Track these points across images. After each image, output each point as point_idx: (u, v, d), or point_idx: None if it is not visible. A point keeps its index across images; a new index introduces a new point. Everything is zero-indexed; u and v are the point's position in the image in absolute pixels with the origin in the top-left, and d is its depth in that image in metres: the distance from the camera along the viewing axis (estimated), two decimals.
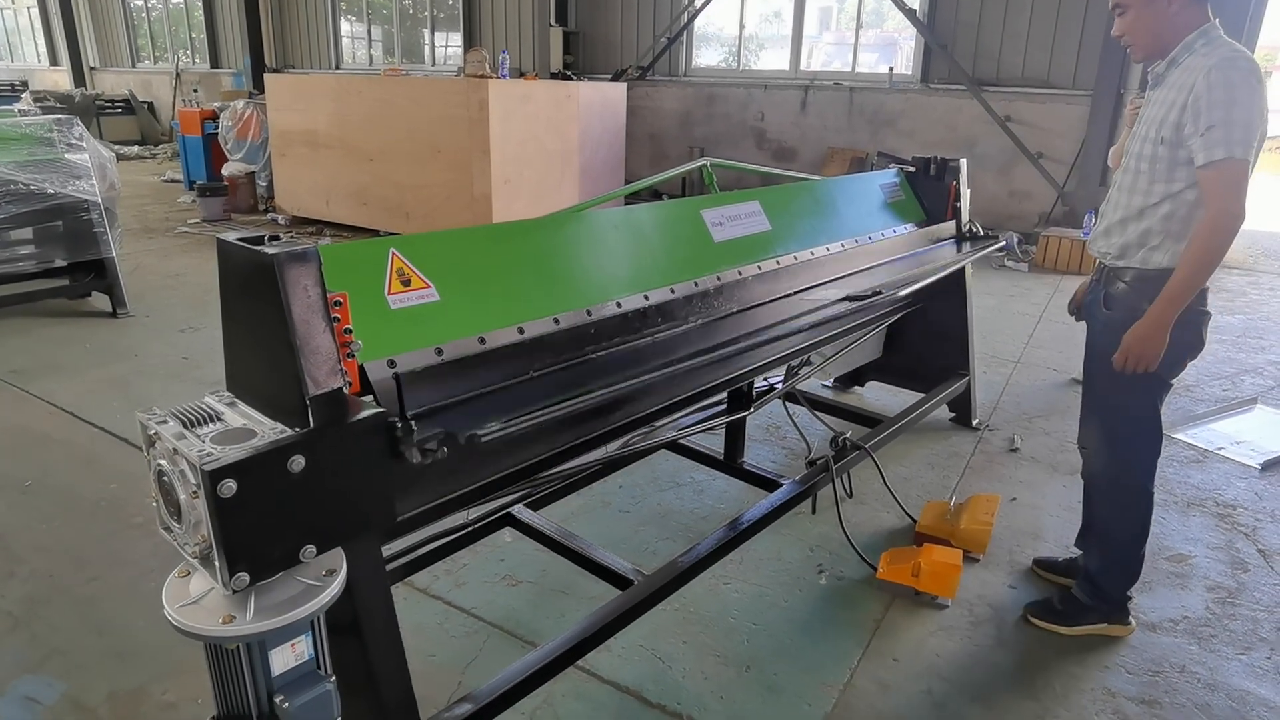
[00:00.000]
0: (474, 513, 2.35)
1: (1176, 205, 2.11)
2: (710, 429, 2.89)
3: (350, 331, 1.42)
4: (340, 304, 1.41)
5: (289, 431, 1.34)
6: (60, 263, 5.17)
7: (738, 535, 2.44)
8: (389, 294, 1.62)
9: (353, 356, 1.43)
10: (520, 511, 2.55)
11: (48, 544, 2.75)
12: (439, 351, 1.65)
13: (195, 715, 2.02)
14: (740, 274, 2.42)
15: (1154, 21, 2.09)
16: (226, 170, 8.90)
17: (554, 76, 9.82)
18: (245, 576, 1.26)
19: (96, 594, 2.50)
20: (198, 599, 1.29)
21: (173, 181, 10.87)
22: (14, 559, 2.67)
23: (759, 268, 2.52)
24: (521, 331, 1.81)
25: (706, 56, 10.32)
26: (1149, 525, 2.40)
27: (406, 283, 1.64)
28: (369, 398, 1.51)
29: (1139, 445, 2.32)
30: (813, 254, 2.72)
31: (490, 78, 7.02)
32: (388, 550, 2.18)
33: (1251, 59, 1.99)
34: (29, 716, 2.03)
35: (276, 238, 1.46)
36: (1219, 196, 1.99)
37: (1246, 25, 6.93)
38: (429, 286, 1.68)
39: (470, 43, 11.38)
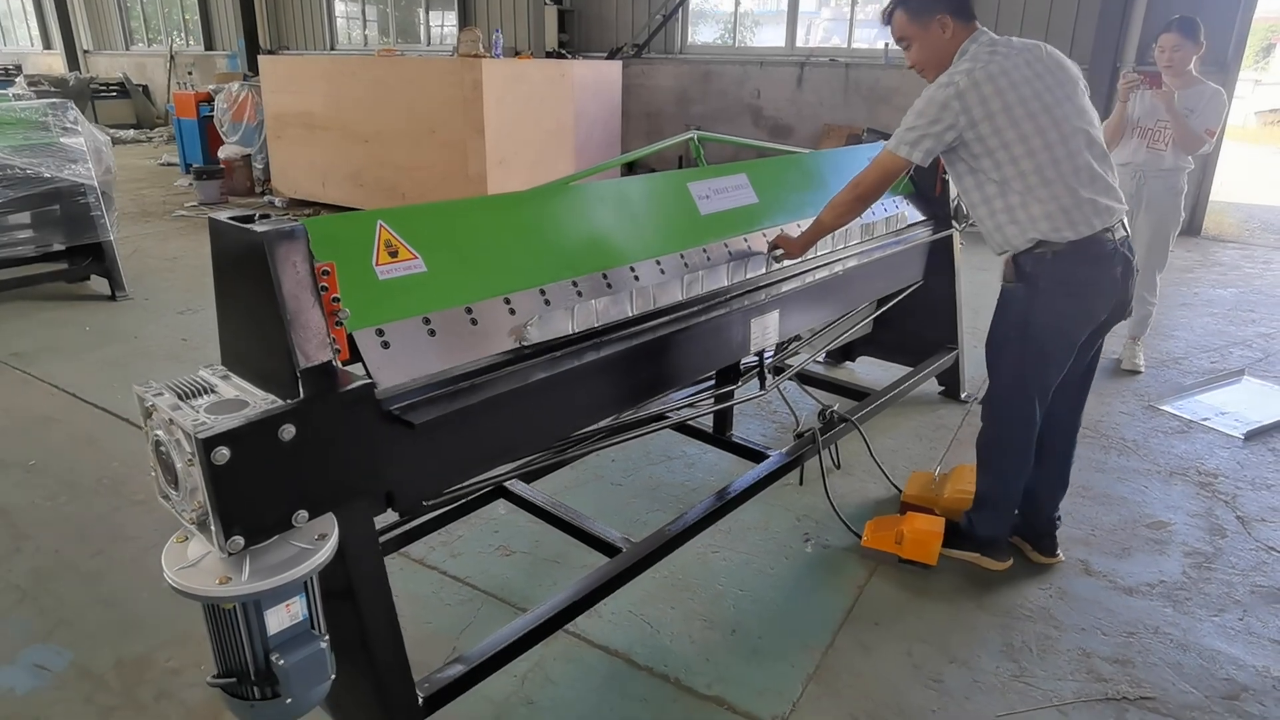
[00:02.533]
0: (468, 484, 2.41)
1: (987, 191, 2.30)
2: (695, 404, 2.94)
3: (338, 300, 1.46)
4: (328, 273, 1.45)
5: (280, 402, 1.40)
6: (58, 247, 5.20)
7: (725, 504, 2.50)
8: (377, 265, 1.66)
9: (341, 325, 1.47)
10: (513, 484, 2.62)
11: (52, 520, 2.82)
12: (426, 321, 1.69)
13: (199, 680, 2.09)
14: (727, 247, 2.46)
15: (934, 48, 2.34)
16: (223, 153, 8.91)
17: (549, 55, 9.79)
18: (240, 540, 1.32)
19: (101, 567, 2.57)
20: (195, 562, 1.35)
21: (169, 165, 10.88)
22: (20, 535, 2.73)
23: (745, 240, 2.55)
24: (508, 302, 1.85)
25: (702, 34, 10.27)
26: (1014, 486, 2.56)
27: (394, 254, 1.68)
28: (357, 365, 1.56)
29: (1008, 415, 2.49)
30: (799, 226, 2.75)
31: (484, 57, 7.01)
32: (383, 521, 2.24)
33: (961, 80, 2.17)
34: (39, 683, 2.10)
35: (267, 216, 1.51)
36: (864, 170, 2.40)
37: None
38: (416, 258, 1.72)
39: (465, 22, 11.32)
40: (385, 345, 1.61)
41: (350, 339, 1.55)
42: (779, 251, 2.59)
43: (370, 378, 1.56)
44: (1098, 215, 2.24)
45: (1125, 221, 2.34)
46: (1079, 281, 2.29)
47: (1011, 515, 2.61)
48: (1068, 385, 2.50)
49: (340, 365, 1.50)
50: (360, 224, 1.67)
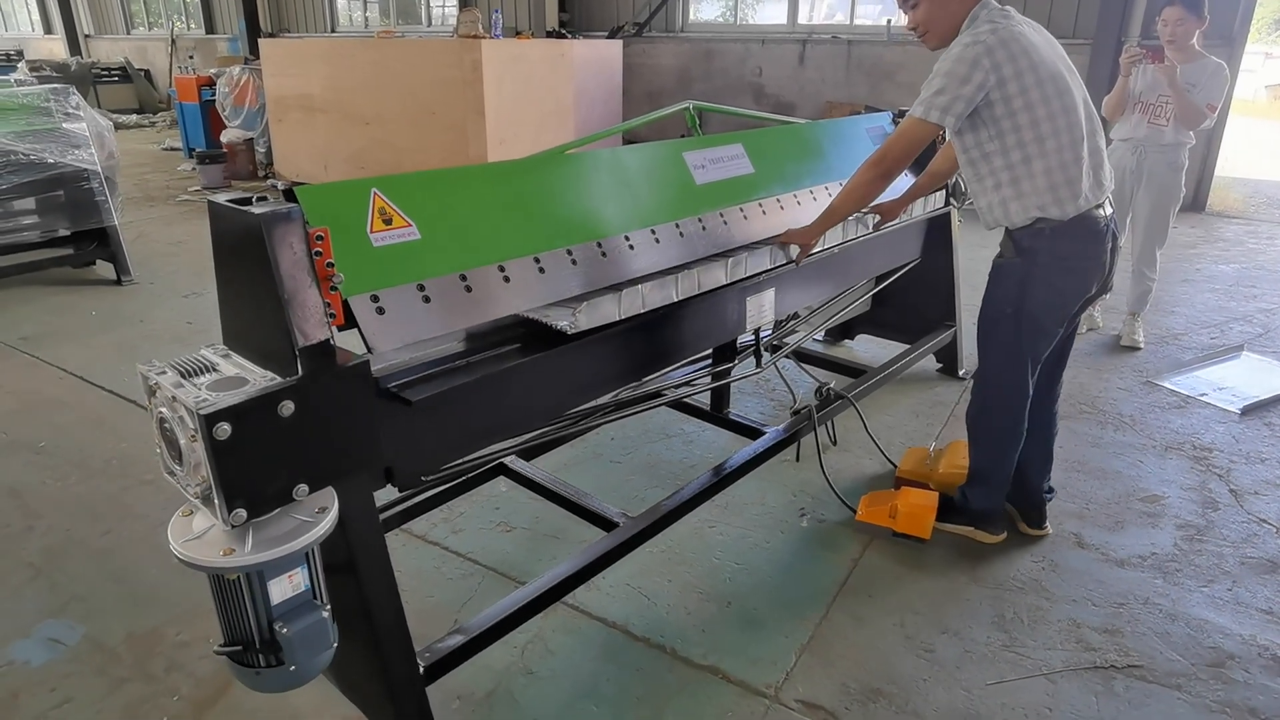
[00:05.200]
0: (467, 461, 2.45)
1: (995, 163, 2.27)
2: (693, 381, 2.97)
3: (333, 265, 1.49)
4: (323, 238, 1.47)
5: (279, 379, 1.44)
6: (63, 232, 5.25)
7: (721, 480, 2.54)
8: (371, 232, 1.67)
9: (336, 290, 1.50)
10: (514, 462, 2.66)
11: (63, 500, 2.88)
12: (421, 288, 1.72)
13: (208, 653, 2.15)
14: (722, 217, 2.47)
15: (942, 11, 2.27)
16: (225, 137, 8.92)
17: (549, 35, 9.73)
18: (243, 513, 1.36)
19: (111, 545, 2.63)
20: (200, 535, 1.40)
21: (172, 149, 10.89)
22: (32, 515, 2.79)
23: (741, 211, 2.56)
24: (502, 270, 1.88)
25: (704, 11, 10.20)
26: (1008, 459, 2.58)
27: (388, 221, 1.70)
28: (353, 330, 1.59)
29: (1002, 389, 2.51)
30: (796, 198, 2.76)
31: (483, 38, 6.99)
32: (386, 497, 2.29)
33: (989, 38, 2.13)
34: (53, 656, 2.17)
35: (264, 198, 1.54)
36: (887, 142, 2.32)
37: None
38: (410, 225, 1.73)
39: (465, 2, 11.25)
40: (380, 311, 1.63)
41: (346, 305, 1.57)
42: (795, 250, 2.54)
43: (365, 341, 1.59)
44: (1093, 191, 2.26)
45: (1111, 199, 2.36)
46: (1076, 257, 2.31)
47: (1005, 488, 2.64)
48: (1047, 359, 2.53)
49: (336, 331, 1.53)
50: (355, 192, 1.69)
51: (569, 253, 2.02)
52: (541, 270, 1.94)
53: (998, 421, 2.55)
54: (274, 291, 1.43)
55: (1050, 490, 2.72)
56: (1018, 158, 2.22)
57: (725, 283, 2.35)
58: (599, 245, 2.09)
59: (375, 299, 1.63)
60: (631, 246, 2.18)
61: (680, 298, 2.19)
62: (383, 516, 2.32)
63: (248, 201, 1.50)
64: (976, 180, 2.35)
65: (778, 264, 2.54)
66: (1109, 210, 2.33)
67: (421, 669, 1.77)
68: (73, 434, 3.35)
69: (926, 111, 2.19)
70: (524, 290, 1.90)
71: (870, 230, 2.95)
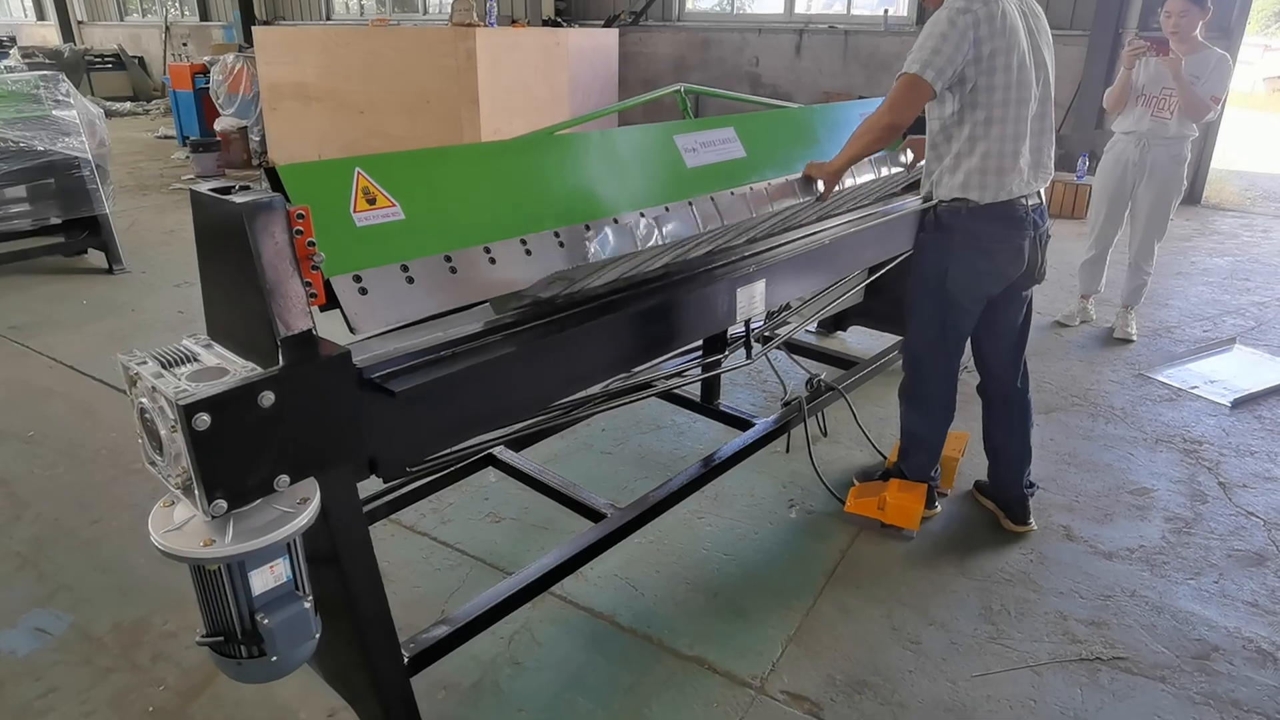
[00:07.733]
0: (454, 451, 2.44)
1: (950, 132, 2.32)
2: (684, 372, 2.97)
3: (314, 244, 1.47)
4: (304, 217, 1.46)
5: (260, 370, 1.43)
6: (55, 220, 5.21)
7: (710, 471, 2.54)
8: (354, 212, 1.66)
9: (317, 269, 1.48)
10: (503, 453, 2.66)
11: (51, 490, 2.87)
12: (405, 269, 1.70)
13: (194, 643, 2.14)
14: (713, 201, 2.46)
15: None
16: (219, 125, 8.86)
17: (545, 23, 9.68)
18: (223, 504, 1.35)
19: (99, 535, 2.62)
20: (180, 525, 1.39)
21: (166, 138, 10.82)
22: (20, 504, 2.79)
23: (733, 194, 2.54)
24: (488, 252, 1.86)
25: (701, 0, 10.14)
26: (943, 429, 2.70)
27: (372, 201, 1.68)
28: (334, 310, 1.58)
29: (931, 362, 2.59)
30: (789, 182, 2.75)
31: (478, 26, 6.95)
32: (374, 487, 2.29)
33: (980, 9, 2.16)
34: (40, 645, 2.16)
35: (247, 187, 1.52)
36: (890, 97, 2.29)
37: None
38: (394, 205, 1.72)
39: None
40: (363, 291, 1.62)
41: (328, 285, 1.55)
42: (819, 187, 2.55)
43: (347, 321, 1.58)
44: (1017, 185, 2.32)
45: (1041, 191, 2.41)
46: (989, 238, 2.37)
47: (937, 458, 2.73)
48: (1001, 350, 2.59)
49: (318, 311, 1.51)
50: (338, 171, 1.67)
51: (556, 235, 2.01)
52: (528, 252, 1.93)
53: (927, 393, 2.63)
54: (255, 281, 1.42)
55: (1031, 485, 2.72)
56: (967, 134, 2.28)
57: (722, 237, 2.30)
58: (587, 228, 2.08)
59: (358, 279, 1.62)
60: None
61: (669, 246, 2.12)
62: (370, 507, 2.32)
63: (229, 190, 1.49)
64: (931, 148, 2.40)
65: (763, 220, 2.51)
66: (1033, 201, 2.38)
67: (406, 660, 1.77)
68: (62, 423, 3.34)
69: (923, 69, 2.18)
70: (510, 272, 1.88)
71: (905, 169, 2.92)
